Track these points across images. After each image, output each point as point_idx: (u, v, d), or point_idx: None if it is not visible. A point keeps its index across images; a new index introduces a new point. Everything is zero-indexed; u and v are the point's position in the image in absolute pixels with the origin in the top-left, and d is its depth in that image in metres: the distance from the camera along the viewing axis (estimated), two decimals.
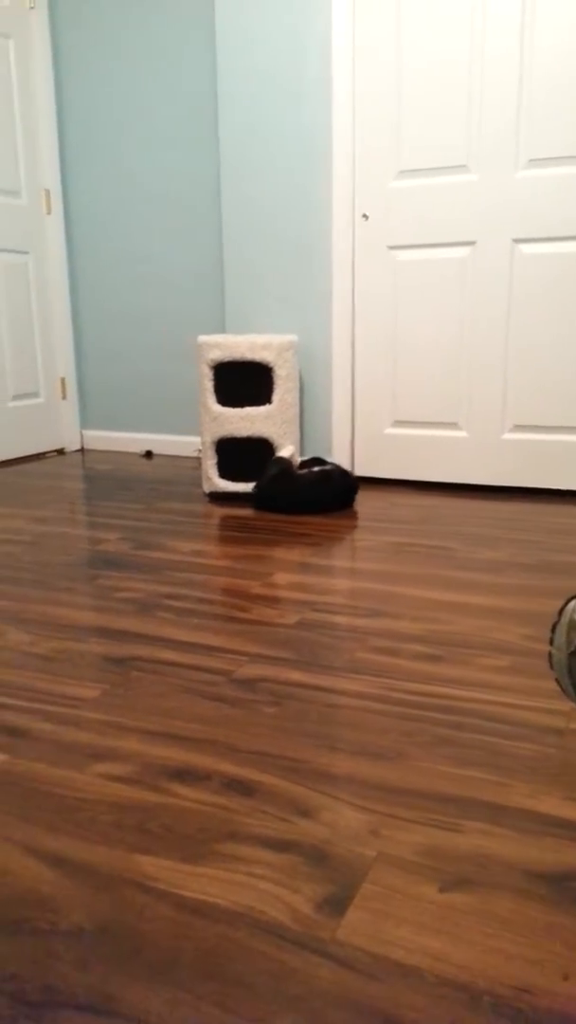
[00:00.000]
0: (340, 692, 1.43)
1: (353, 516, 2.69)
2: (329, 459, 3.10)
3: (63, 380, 4.08)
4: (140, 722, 1.33)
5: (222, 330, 3.62)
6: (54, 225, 3.90)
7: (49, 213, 3.89)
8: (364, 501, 2.91)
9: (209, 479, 2.99)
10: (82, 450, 4.09)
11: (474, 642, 1.64)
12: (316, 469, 2.81)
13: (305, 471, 2.82)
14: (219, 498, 2.96)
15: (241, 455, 2.94)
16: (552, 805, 1.10)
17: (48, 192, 3.87)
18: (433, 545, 2.33)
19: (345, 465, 3.24)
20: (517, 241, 2.89)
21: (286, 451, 2.84)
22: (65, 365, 4.06)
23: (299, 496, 2.69)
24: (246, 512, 2.74)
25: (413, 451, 3.18)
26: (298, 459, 2.89)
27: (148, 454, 3.89)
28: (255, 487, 2.76)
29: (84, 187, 3.89)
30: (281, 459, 2.80)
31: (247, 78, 3.20)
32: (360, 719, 1.32)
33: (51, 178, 3.87)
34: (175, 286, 3.74)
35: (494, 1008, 0.79)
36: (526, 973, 0.83)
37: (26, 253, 3.82)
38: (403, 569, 2.13)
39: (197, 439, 3.85)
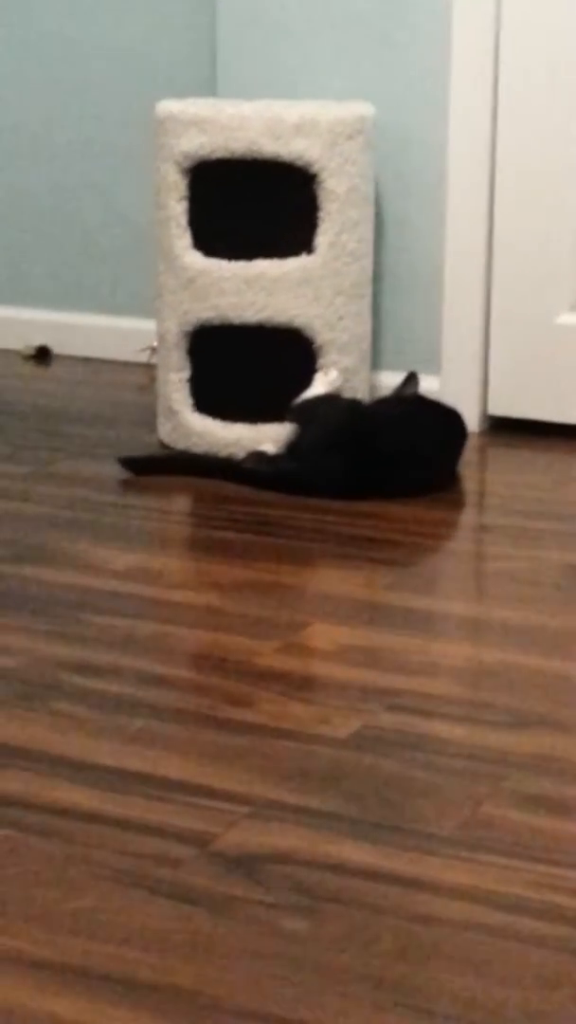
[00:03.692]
0: (447, 893, 0.95)
1: (471, 503, 1.92)
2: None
3: None
4: (13, 941, 0.87)
5: (211, 91, 2.28)
6: None
7: None
8: (501, 470, 2.04)
9: (174, 414, 1.91)
10: None
11: None
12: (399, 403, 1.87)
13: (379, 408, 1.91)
14: (190, 461, 1.96)
15: (244, 364, 1.96)
16: None
17: None
18: None
19: (466, 394, 2.12)
20: None
21: (326, 378, 1.90)
22: None
23: (366, 464, 1.82)
24: (248, 490, 1.84)
25: None
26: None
27: (41, 353, 2.82)
28: (286, 453, 1.84)
29: None
30: (324, 401, 1.83)
31: None
32: (493, 956, 0.86)
33: None
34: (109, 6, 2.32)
35: None
36: None
37: None
38: None
39: (149, 327, 2.61)
